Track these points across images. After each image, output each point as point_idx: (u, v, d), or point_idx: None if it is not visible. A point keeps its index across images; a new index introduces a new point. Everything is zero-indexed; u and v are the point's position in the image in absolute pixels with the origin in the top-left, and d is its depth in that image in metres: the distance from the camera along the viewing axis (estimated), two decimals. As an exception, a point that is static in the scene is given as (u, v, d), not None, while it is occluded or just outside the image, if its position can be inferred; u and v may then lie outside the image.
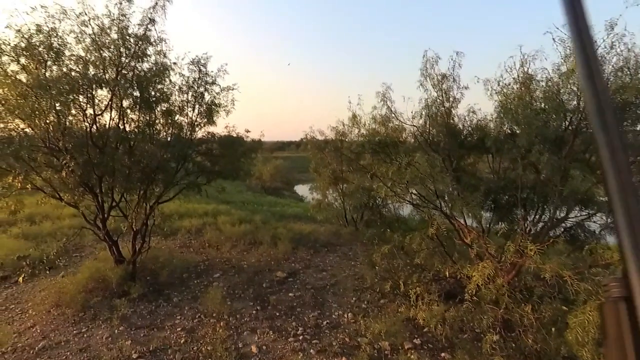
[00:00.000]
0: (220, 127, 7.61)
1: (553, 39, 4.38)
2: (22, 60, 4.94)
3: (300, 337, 4.64)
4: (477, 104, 6.18)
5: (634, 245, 0.41)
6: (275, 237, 8.07)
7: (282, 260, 7.22)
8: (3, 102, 4.60)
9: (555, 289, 3.63)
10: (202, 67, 6.72)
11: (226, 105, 7.17)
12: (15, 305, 5.64)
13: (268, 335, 4.72)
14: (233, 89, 7.15)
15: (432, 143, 5.74)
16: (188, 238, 8.76)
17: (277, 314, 5.29)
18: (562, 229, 4.91)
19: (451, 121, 5.80)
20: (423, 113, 5.82)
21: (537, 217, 4.72)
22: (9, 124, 4.77)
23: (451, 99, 5.82)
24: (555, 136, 4.32)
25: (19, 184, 4.46)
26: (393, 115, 6.08)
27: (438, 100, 5.71)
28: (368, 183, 7.29)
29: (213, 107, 7.05)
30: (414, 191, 4.46)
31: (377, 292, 5.67)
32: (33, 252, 7.30)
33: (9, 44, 4.85)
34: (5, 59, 4.83)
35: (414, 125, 5.99)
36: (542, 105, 4.69)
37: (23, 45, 4.92)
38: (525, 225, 4.48)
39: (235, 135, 7.67)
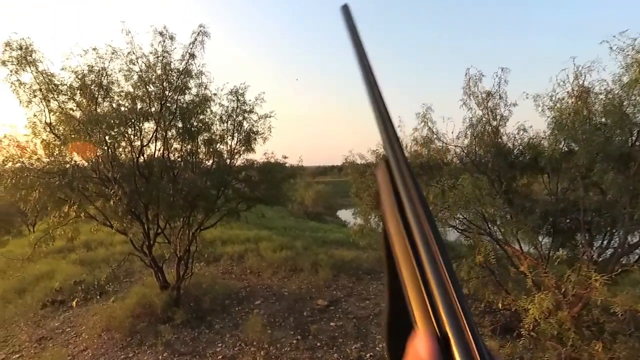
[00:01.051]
0: (259, 153, 7.86)
1: (610, 47, 4.13)
2: (77, 98, 5.49)
3: (342, 371, 4.49)
4: (527, 121, 5.86)
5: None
6: (317, 264, 8.01)
7: (323, 288, 7.12)
8: (61, 137, 5.09)
9: (631, 325, 3.22)
10: (240, 97, 7.07)
11: (263, 133, 7.43)
12: (71, 329, 6.01)
13: (309, 367, 4.62)
14: (270, 117, 7.41)
15: (480, 164, 5.50)
16: (230, 264, 8.95)
17: (318, 344, 5.17)
18: (638, 256, 4.42)
19: (499, 140, 5.55)
20: (468, 133, 5.64)
21: (604, 242, 4.29)
22: (66, 157, 5.26)
23: (498, 117, 5.59)
24: (620, 153, 3.97)
25: (74, 213, 4.84)
26: (435, 136, 5.93)
27: (484, 119, 5.51)
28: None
29: (251, 134, 7.33)
30: (460, 215, 4.24)
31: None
32: (87, 277, 7.81)
33: (65, 84, 5.43)
34: (62, 98, 5.40)
35: (458, 146, 5.80)
36: (603, 119, 4.36)
37: (77, 84, 5.47)
38: (591, 252, 4.09)
39: (273, 161, 7.87)
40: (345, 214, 27.33)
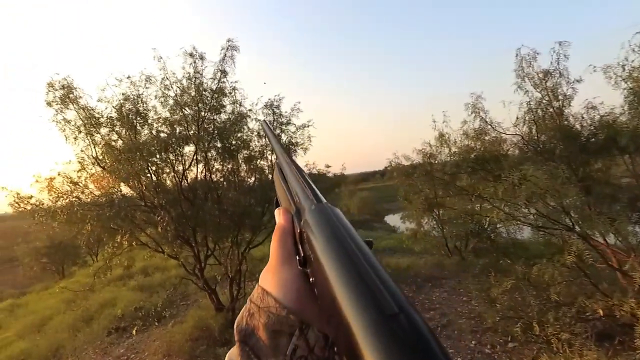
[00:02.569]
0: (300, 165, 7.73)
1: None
2: (117, 128, 5.62)
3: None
4: (597, 97, 5.24)
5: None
6: (371, 274, 7.66)
7: (380, 299, 6.75)
8: (106, 168, 5.22)
9: None
10: (275, 110, 6.97)
11: (303, 143, 7.27)
12: (135, 355, 6.11)
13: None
14: (308, 126, 7.24)
15: (544, 151, 4.97)
16: (282, 281, 8.78)
17: (384, 362, 4.82)
18: None
19: (565, 122, 4.98)
20: (526, 118, 5.13)
21: None
22: (111, 188, 5.39)
23: (560, 97, 5.04)
24: None
25: (126, 242, 4.93)
26: (489, 126, 5.46)
27: (544, 101, 4.98)
28: (471, 206, 6.59)
29: (290, 146, 7.19)
30: (533, 210, 3.76)
31: (501, 335, 4.87)
32: (145, 303, 8.01)
33: (103, 116, 5.59)
34: (104, 130, 5.57)
35: (517, 134, 5.29)
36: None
37: (115, 115, 5.60)
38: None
39: (316, 172, 7.69)
40: (393, 219, 26.64)
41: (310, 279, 0.36)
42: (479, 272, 6.55)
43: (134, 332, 6.74)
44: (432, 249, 8.78)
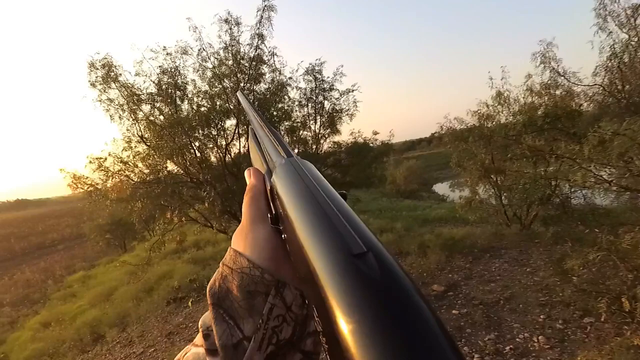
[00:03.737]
0: (345, 134, 7.42)
1: None
2: (157, 104, 5.61)
3: (479, 368, 3.88)
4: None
5: None
6: (424, 245, 7.34)
7: (435, 271, 6.46)
8: (150, 145, 5.26)
9: None
10: (317, 75, 6.65)
11: (349, 109, 6.94)
12: (192, 324, 6.38)
13: (436, 363, 4.09)
14: (353, 90, 6.87)
15: (632, 103, 4.28)
16: (330, 253, 8.76)
17: (442, 336, 4.60)
18: None
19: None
20: (609, 65, 4.42)
21: None
22: (157, 166, 5.44)
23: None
24: None
25: (176, 218, 5.00)
26: (562, 77, 4.80)
27: (632, 43, 4.24)
28: (536, 170, 5.99)
29: (335, 114, 6.90)
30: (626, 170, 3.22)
31: (574, 310, 4.44)
32: (198, 275, 8.34)
33: (143, 92, 5.58)
34: (145, 107, 5.57)
35: (595, 85, 4.60)
36: None
37: (155, 90, 5.59)
38: None
39: (362, 140, 7.37)
40: (442, 188, 25.69)
41: (283, 236, 0.35)
42: (551, 242, 6.02)
43: (189, 303, 7.03)
44: (489, 218, 8.26)
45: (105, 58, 5.36)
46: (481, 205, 8.00)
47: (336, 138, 7.26)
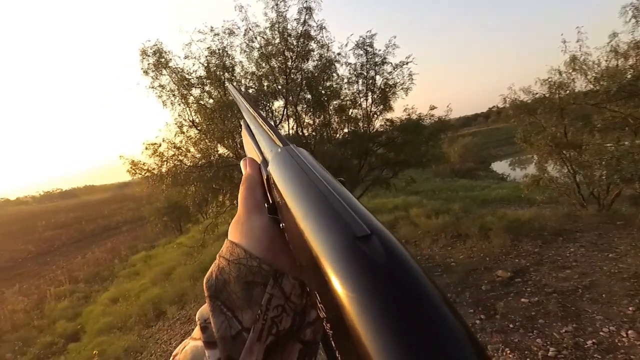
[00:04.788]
0: (399, 110, 7.09)
1: None
2: (207, 87, 5.70)
3: (557, 362, 3.55)
4: None
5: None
6: (485, 228, 6.90)
7: (500, 256, 6.04)
8: (201, 130, 5.32)
9: None
10: (368, 48, 6.34)
11: (403, 83, 6.58)
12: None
13: (505, 354, 3.81)
14: (407, 63, 6.48)
15: None
16: (382, 235, 8.57)
17: (511, 325, 4.27)
18: None
19: None
20: None
21: None
22: (209, 150, 5.51)
23: None
24: None
25: (228, 201, 5.05)
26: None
27: None
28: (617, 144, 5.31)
29: (387, 89, 6.59)
30: None
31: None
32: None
33: (192, 75, 5.63)
34: (195, 91, 5.62)
35: None
36: None
37: (204, 73, 5.64)
38: None
39: (416, 117, 6.99)
40: (500, 166, 24.16)
41: (281, 225, 0.35)
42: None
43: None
44: (559, 198, 7.57)
45: (156, 45, 5.46)
46: (551, 184, 7.34)
47: (388, 115, 6.95)
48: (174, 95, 5.77)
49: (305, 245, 0.25)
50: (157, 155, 5.74)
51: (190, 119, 5.76)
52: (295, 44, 5.78)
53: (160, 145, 5.78)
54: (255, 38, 5.85)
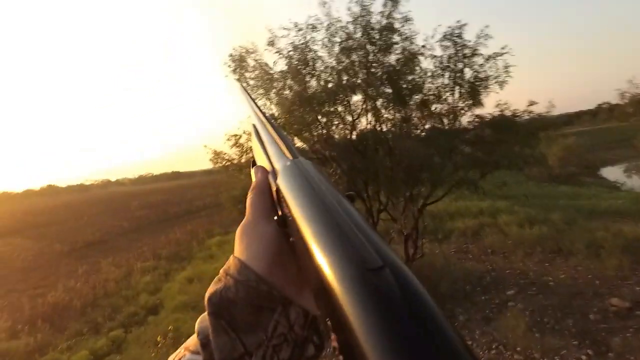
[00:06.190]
0: (489, 106, 6.47)
1: None
2: (288, 81, 5.82)
3: None
4: None
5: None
6: (595, 245, 5.95)
7: (615, 280, 5.14)
8: (278, 121, 5.45)
9: None
10: (457, 39, 5.92)
11: (498, 76, 6.03)
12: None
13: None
14: (503, 54, 5.92)
15: None
16: (464, 242, 7.93)
17: (629, 368, 3.56)
18: None
19: None
20: None
21: None
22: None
23: None
24: None
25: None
26: None
27: None
28: None
29: (477, 83, 6.11)
30: None
31: None
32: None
33: (274, 69, 5.87)
34: (277, 85, 5.83)
35: None
36: None
37: (286, 67, 5.80)
38: None
39: (510, 113, 6.35)
40: (613, 172, 21.08)
41: (290, 239, 0.35)
42: None
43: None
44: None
45: (243, 47, 5.87)
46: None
47: (477, 111, 6.40)
48: (257, 88, 6.04)
49: (315, 270, 0.24)
50: (237, 146, 6.04)
51: (270, 113, 5.92)
52: (377, 37, 5.70)
53: (240, 137, 6.02)
54: (337, 32, 5.84)
